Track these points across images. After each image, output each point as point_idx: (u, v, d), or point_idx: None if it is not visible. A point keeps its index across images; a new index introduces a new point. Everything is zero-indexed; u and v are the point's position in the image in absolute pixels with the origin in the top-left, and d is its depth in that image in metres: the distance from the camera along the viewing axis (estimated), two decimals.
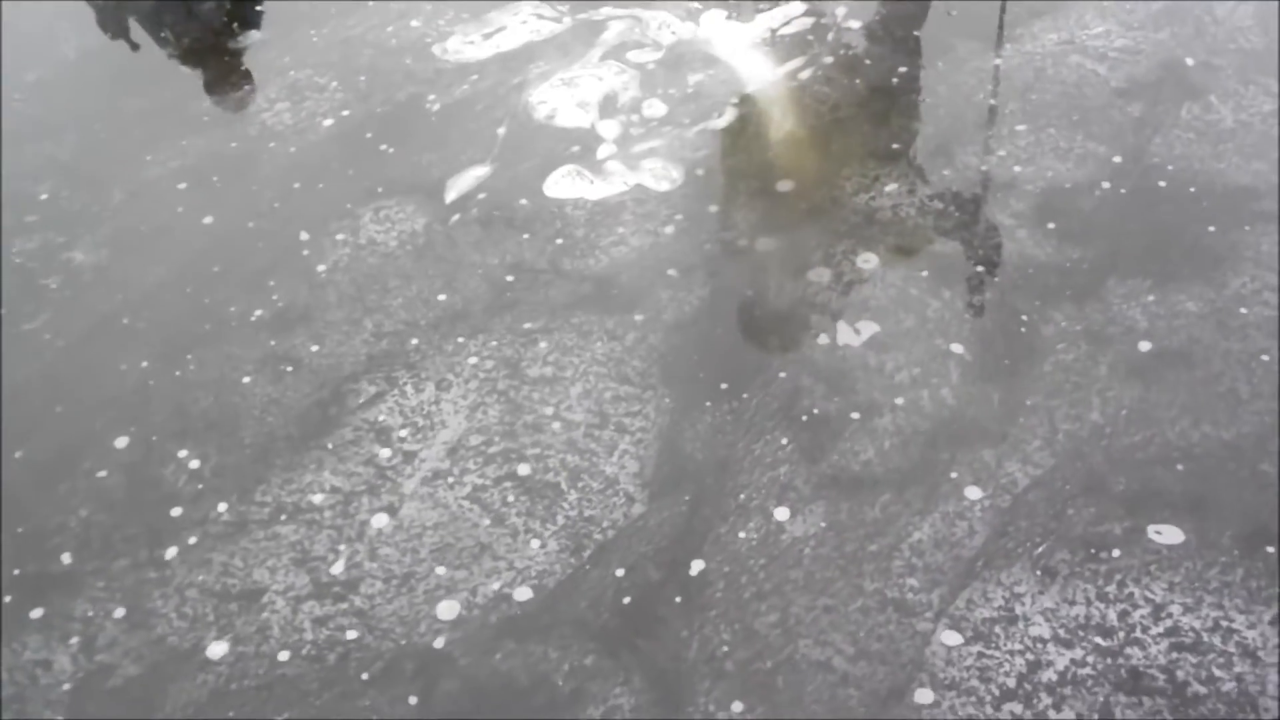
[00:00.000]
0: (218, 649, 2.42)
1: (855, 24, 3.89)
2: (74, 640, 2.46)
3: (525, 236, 3.29)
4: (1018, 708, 2.16)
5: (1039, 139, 3.38)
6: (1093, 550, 2.39)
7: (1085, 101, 3.48)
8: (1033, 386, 2.73)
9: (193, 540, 2.63)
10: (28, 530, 2.68)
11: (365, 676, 2.34)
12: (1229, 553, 2.35)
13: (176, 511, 2.69)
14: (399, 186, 3.50)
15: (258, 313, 3.15)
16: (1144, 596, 2.30)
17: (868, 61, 3.73)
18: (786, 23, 3.94)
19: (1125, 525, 2.42)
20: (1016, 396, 2.71)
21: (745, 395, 2.79)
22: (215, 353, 3.06)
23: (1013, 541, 2.43)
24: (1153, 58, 3.60)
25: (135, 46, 4.25)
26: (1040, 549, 2.41)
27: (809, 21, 3.94)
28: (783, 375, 2.82)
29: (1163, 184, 3.18)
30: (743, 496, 2.58)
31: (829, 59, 3.76)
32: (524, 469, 2.69)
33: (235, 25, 4.28)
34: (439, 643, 2.38)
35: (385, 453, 2.77)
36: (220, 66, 4.13)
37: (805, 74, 3.72)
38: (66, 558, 2.62)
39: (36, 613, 2.52)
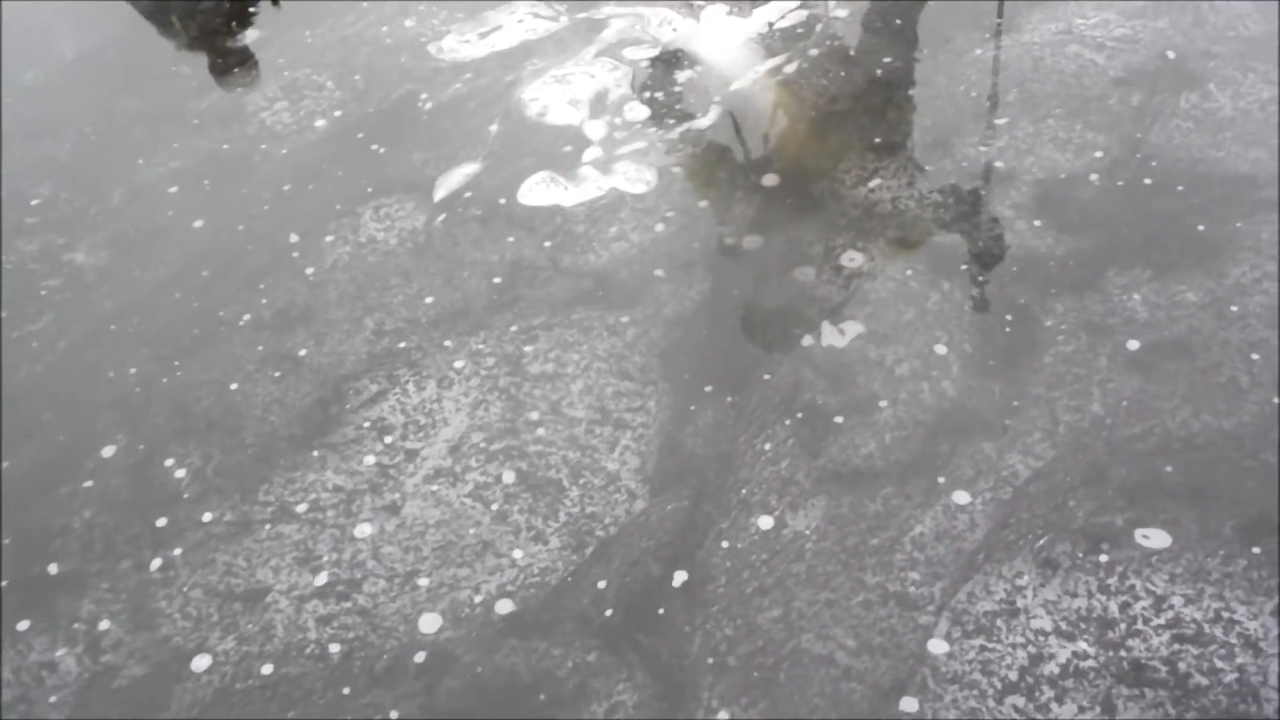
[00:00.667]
0: (222, 649, 2.43)
1: (843, 13, 3.88)
2: (78, 642, 2.47)
3: (524, 233, 3.29)
4: (1020, 700, 2.17)
5: (1038, 129, 3.37)
6: (1094, 542, 2.39)
7: (1084, 91, 3.47)
8: (1033, 378, 2.72)
9: (196, 540, 2.64)
10: (30, 531, 2.69)
11: (369, 675, 2.35)
12: (1230, 544, 2.35)
13: (179, 512, 2.70)
14: (396, 185, 3.51)
15: (258, 313, 3.16)
16: (1145, 588, 2.30)
17: (863, 54, 3.73)
18: (781, 17, 3.94)
19: (1126, 517, 2.42)
20: (1017, 388, 2.71)
21: (746, 390, 2.79)
22: (216, 352, 3.07)
23: (1014, 534, 2.43)
24: (1151, 47, 3.59)
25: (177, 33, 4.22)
26: (1041, 541, 2.41)
27: (804, 14, 3.93)
28: (783, 369, 2.82)
29: (1162, 174, 3.17)
30: (744, 491, 2.58)
31: (821, 51, 3.75)
32: (526, 466, 2.70)
33: (234, 24, 4.28)
34: (442, 640, 2.39)
35: (387, 451, 2.77)
36: (218, 66, 4.13)
37: (799, 66, 3.71)
38: (69, 559, 2.63)
39: (37, 614, 2.53)
